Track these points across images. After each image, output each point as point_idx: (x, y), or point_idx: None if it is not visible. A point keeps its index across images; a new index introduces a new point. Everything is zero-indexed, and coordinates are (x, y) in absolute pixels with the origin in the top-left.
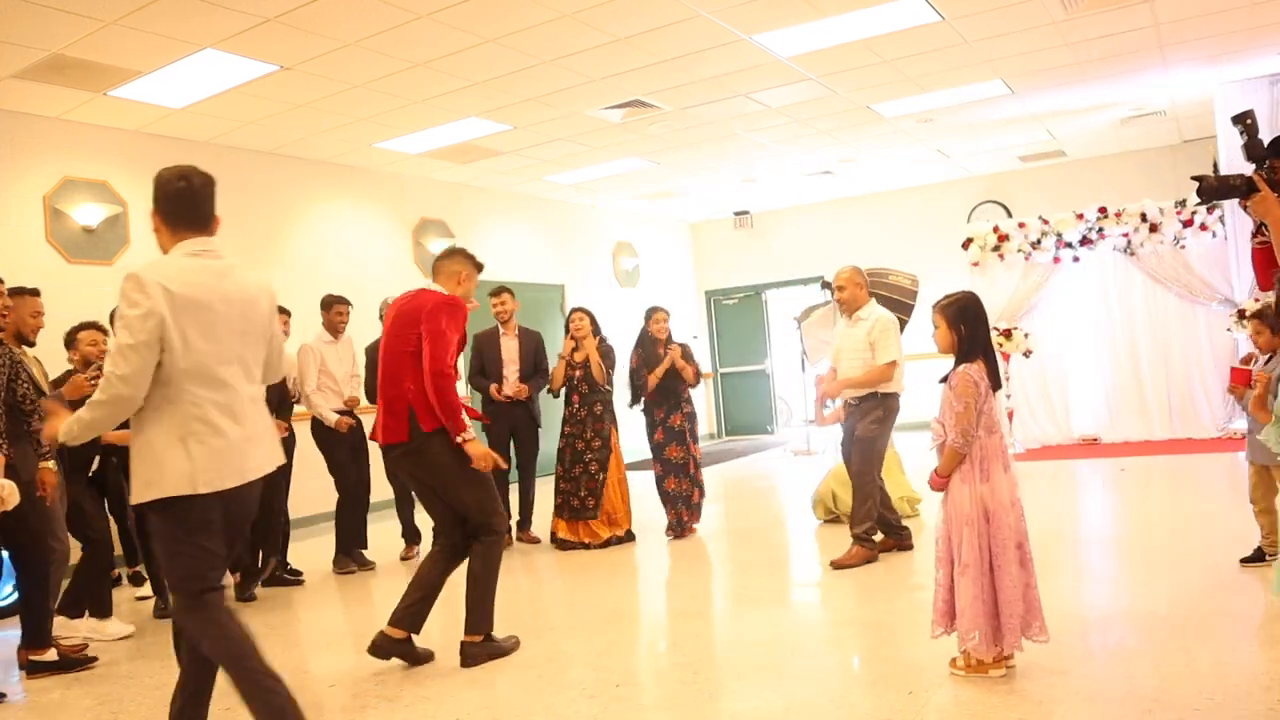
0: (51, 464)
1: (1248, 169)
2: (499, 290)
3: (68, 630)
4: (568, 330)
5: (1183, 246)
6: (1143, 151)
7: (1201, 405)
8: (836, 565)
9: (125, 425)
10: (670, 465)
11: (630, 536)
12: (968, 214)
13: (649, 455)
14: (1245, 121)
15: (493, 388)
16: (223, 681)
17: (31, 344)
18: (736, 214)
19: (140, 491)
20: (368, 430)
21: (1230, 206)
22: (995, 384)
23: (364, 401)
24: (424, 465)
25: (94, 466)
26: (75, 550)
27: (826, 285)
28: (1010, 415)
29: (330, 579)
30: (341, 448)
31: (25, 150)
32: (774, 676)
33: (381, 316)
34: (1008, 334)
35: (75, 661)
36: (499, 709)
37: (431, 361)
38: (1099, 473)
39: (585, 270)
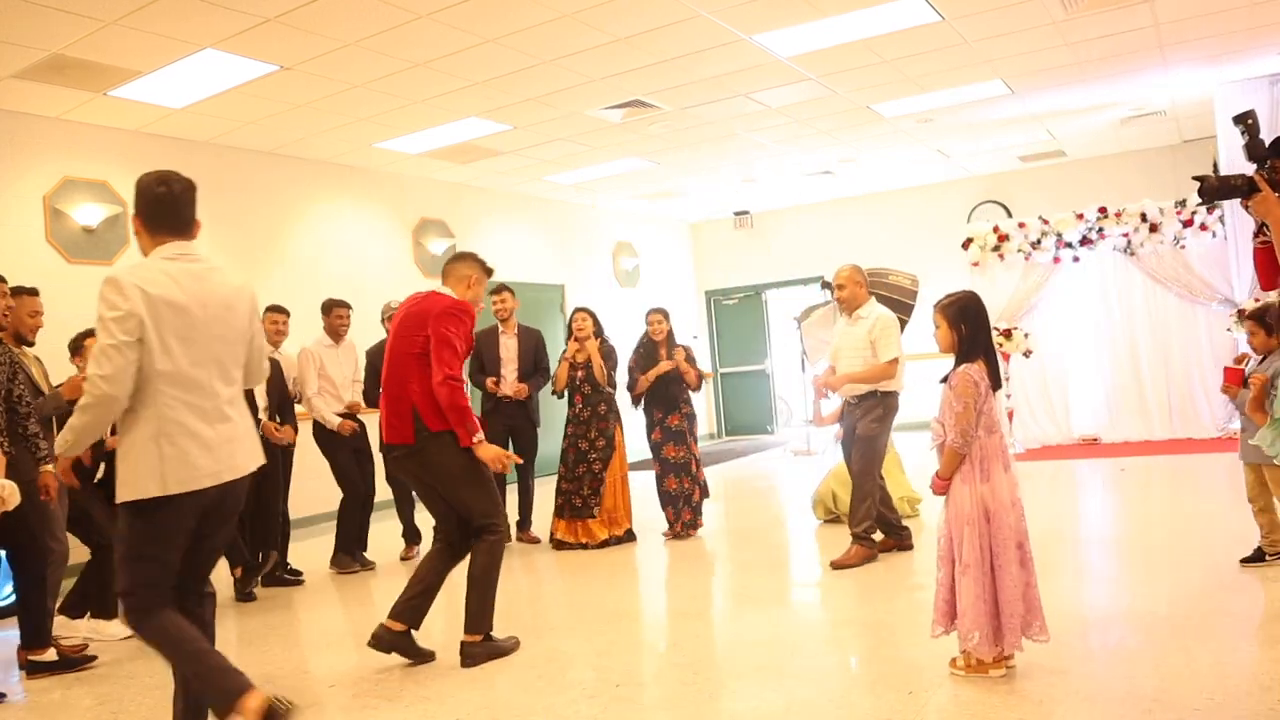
0: (51, 467)
1: (1249, 169)
2: (499, 289)
3: (68, 630)
4: (570, 331)
5: (1183, 246)
6: (1143, 151)
7: (1201, 405)
8: (836, 565)
9: None
10: (668, 465)
11: (630, 536)
12: (968, 214)
13: (650, 455)
14: (1246, 121)
15: (489, 381)
16: None
17: (30, 344)
18: (736, 214)
19: (119, 492)
20: (371, 433)
21: (1230, 207)
22: (995, 384)
23: (364, 406)
24: (427, 466)
25: (100, 473)
26: (76, 551)
27: (826, 285)
28: (1010, 415)
29: (330, 579)
30: (344, 451)
31: (25, 150)
32: (774, 676)
33: (384, 320)
34: (1008, 334)
35: (75, 661)
36: (499, 709)
37: (442, 366)
38: (1099, 473)
39: (585, 270)
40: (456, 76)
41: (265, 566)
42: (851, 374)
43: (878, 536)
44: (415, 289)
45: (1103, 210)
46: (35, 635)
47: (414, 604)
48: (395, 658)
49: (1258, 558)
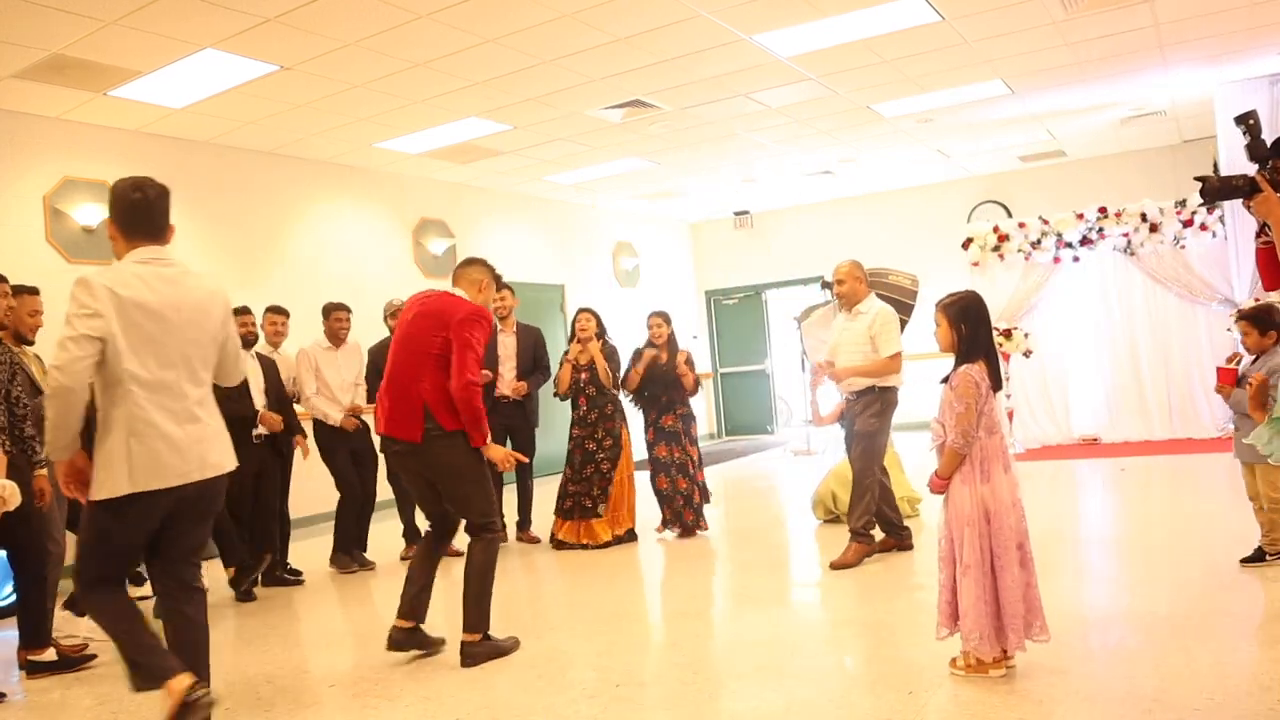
0: (45, 471)
1: (1249, 169)
2: (498, 287)
3: (70, 627)
4: (573, 332)
5: (1183, 246)
6: (1143, 151)
7: (1201, 405)
8: (836, 566)
9: None
10: (659, 464)
11: (631, 536)
12: (968, 214)
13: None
14: (1248, 122)
15: (484, 372)
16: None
17: (30, 343)
18: (736, 214)
19: (93, 490)
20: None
21: (1231, 207)
22: (996, 384)
23: (365, 406)
24: (432, 463)
25: None
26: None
27: (826, 285)
28: (1010, 415)
29: (330, 579)
30: (341, 453)
31: (25, 150)
32: (774, 676)
33: (387, 318)
34: (1008, 334)
35: (75, 661)
36: (499, 709)
37: (465, 371)
38: (1099, 473)
39: (585, 270)
40: (456, 76)
41: (259, 568)
42: (855, 367)
43: (878, 535)
44: (415, 289)
45: (1103, 210)
46: (35, 635)
47: (416, 600)
48: (395, 657)
49: (1258, 558)
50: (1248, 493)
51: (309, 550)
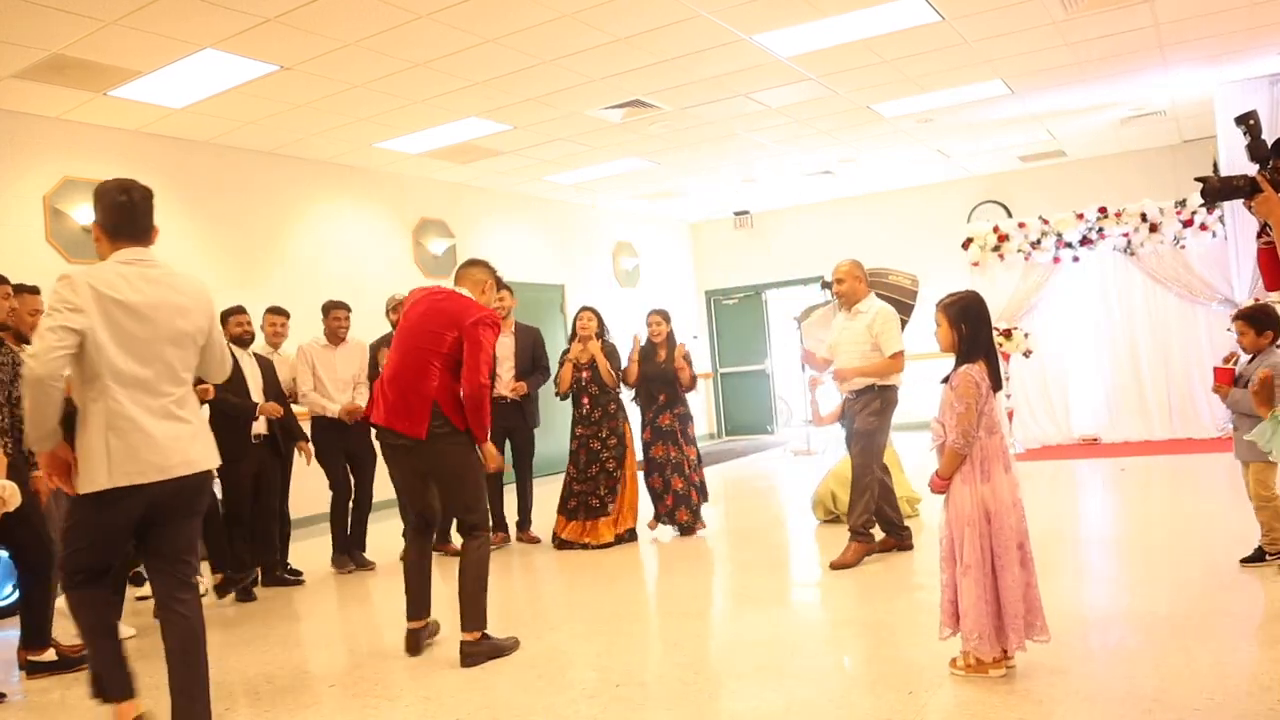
0: (40, 473)
1: (1250, 169)
2: (498, 288)
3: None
4: (573, 330)
5: (1183, 246)
6: (1143, 151)
7: (1201, 405)
8: (835, 566)
9: None
10: (654, 463)
11: (632, 535)
12: (968, 214)
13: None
14: (1249, 122)
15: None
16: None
17: (30, 343)
18: (736, 214)
19: (77, 485)
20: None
21: (1231, 207)
22: (996, 385)
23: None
24: (434, 461)
25: None
26: None
27: (826, 285)
28: (1010, 415)
29: (330, 579)
30: (334, 452)
31: (25, 150)
32: (774, 676)
33: (389, 312)
34: (1008, 334)
35: (75, 661)
36: (499, 709)
37: (477, 373)
38: (1099, 473)
39: (585, 270)
40: (456, 76)
41: (245, 580)
42: (859, 367)
43: (878, 534)
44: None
45: (1103, 210)
46: (36, 634)
47: (419, 597)
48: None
49: (1258, 558)
50: (1249, 492)
51: (309, 550)
